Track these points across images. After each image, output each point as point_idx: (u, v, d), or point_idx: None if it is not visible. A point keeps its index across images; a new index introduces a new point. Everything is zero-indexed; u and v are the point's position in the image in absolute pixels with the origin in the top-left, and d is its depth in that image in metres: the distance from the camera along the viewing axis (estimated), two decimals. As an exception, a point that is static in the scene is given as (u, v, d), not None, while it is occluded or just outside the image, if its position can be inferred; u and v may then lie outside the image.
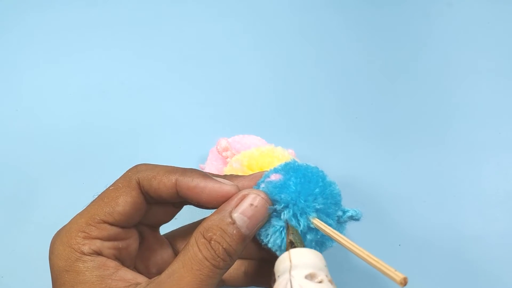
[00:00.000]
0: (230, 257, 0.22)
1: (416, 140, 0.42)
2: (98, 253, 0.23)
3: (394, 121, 0.42)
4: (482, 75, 0.44)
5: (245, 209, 0.22)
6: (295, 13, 0.49)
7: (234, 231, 0.22)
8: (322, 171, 0.24)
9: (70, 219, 0.24)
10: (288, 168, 0.24)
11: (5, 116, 0.42)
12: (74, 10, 0.48)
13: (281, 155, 0.32)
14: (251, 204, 0.23)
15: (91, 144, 0.41)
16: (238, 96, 0.44)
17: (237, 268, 0.29)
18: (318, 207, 0.23)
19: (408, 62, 0.45)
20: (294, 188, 0.23)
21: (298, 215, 0.23)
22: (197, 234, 0.22)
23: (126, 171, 0.26)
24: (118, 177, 0.25)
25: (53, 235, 0.26)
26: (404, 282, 0.19)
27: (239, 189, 0.24)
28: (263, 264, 0.29)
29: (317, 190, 0.23)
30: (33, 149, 0.40)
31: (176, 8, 0.49)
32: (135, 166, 0.26)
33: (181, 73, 0.45)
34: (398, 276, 0.19)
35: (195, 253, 0.21)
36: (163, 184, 0.24)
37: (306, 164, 0.25)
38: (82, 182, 0.39)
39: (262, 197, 0.23)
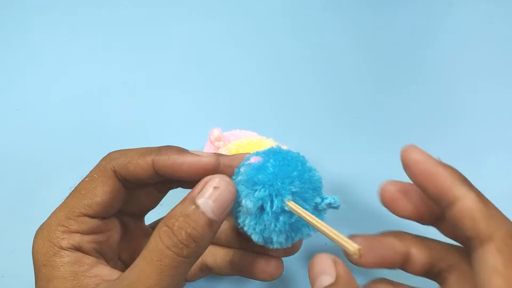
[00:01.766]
0: (196, 243, 0.20)
1: (416, 140, 0.41)
2: (77, 248, 0.23)
3: (394, 121, 0.42)
4: (483, 75, 0.44)
5: (209, 193, 0.21)
6: (295, 13, 0.49)
7: (199, 216, 0.21)
8: (303, 157, 0.24)
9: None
10: (269, 152, 0.24)
11: (6, 116, 0.43)
12: (75, 10, 0.48)
13: (271, 146, 0.33)
14: (215, 187, 0.21)
15: (92, 144, 0.41)
16: (238, 96, 0.44)
17: (223, 257, 0.28)
18: (294, 190, 0.22)
19: (408, 62, 0.45)
20: (271, 170, 0.22)
21: (274, 196, 0.22)
22: (160, 225, 0.21)
23: (100, 161, 0.25)
24: (92, 168, 0.25)
25: None
26: (359, 252, 0.20)
27: (219, 161, 0.24)
28: (247, 254, 0.28)
29: (295, 173, 0.23)
30: (33, 149, 0.40)
31: (176, 8, 0.49)
32: (107, 154, 0.25)
33: (181, 73, 0.45)
34: (353, 247, 0.20)
35: (156, 244, 0.20)
36: (140, 167, 0.24)
37: (289, 150, 0.24)
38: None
39: (226, 180, 0.22)
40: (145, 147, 0.25)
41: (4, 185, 0.39)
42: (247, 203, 0.22)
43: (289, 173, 0.23)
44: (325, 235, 0.21)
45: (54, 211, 0.24)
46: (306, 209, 0.22)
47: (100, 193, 0.24)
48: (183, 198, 0.22)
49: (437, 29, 0.47)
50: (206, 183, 0.22)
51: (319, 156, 0.41)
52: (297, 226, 0.23)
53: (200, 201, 0.21)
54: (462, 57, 0.45)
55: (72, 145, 0.41)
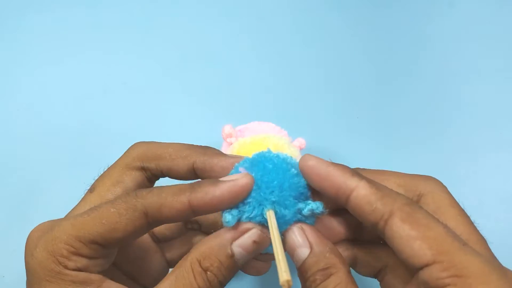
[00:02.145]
0: (221, 285, 0.21)
1: (417, 140, 0.42)
2: (84, 269, 0.22)
3: (395, 121, 0.42)
4: (483, 75, 0.44)
5: (246, 245, 0.21)
6: (296, 13, 0.49)
7: (232, 264, 0.21)
8: (288, 162, 0.24)
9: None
10: (252, 162, 0.24)
11: (7, 116, 0.42)
12: (76, 11, 0.48)
13: (274, 144, 0.33)
14: (254, 241, 0.22)
15: (93, 144, 0.41)
16: (238, 96, 0.44)
17: None
18: (274, 199, 0.22)
19: (409, 62, 0.45)
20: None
21: (256, 208, 0.22)
22: (193, 260, 0.21)
23: (128, 195, 0.22)
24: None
25: None
26: (287, 284, 0.19)
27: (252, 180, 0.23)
28: None
29: (275, 182, 0.23)
30: (34, 149, 0.40)
31: (176, 8, 0.49)
32: (139, 192, 0.22)
33: (183, 72, 0.45)
34: (283, 277, 0.19)
35: (190, 282, 0.21)
36: (175, 210, 0.22)
37: (275, 155, 0.24)
38: (83, 181, 0.39)
39: (262, 233, 0.22)
40: (179, 184, 0.22)
41: (5, 185, 0.39)
42: (226, 216, 0.22)
43: (269, 183, 0.23)
44: (274, 252, 0.21)
45: (63, 223, 0.22)
46: (285, 215, 0.23)
47: (122, 231, 0.21)
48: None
49: (438, 30, 0.47)
50: (246, 230, 0.22)
51: (322, 153, 0.41)
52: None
53: (237, 250, 0.21)
54: (463, 58, 0.45)
55: (73, 144, 0.41)
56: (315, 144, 0.41)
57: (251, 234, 0.22)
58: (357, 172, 0.21)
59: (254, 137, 0.33)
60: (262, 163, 0.23)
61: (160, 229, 0.27)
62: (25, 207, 0.38)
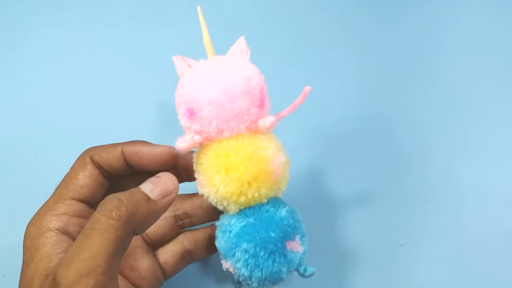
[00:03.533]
0: (126, 209, 0.22)
1: (417, 140, 0.42)
2: (64, 229, 0.25)
3: (395, 122, 0.42)
4: (484, 75, 0.44)
5: (150, 180, 0.24)
6: (293, 13, 0.49)
7: (138, 191, 0.23)
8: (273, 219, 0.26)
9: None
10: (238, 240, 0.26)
11: (7, 116, 0.43)
12: (76, 9, 0.48)
13: (247, 154, 0.26)
14: (156, 176, 0.25)
15: (93, 144, 0.41)
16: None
17: (202, 235, 0.31)
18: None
19: (409, 62, 0.45)
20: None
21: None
22: (105, 201, 0.23)
23: (80, 155, 0.28)
24: None
25: None
26: None
27: (173, 150, 0.27)
28: None
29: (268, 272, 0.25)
30: (34, 149, 0.40)
31: (177, 7, 0.49)
32: (86, 149, 0.28)
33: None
34: None
35: (93, 215, 0.22)
36: (112, 154, 0.27)
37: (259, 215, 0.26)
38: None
39: (168, 173, 0.25)
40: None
41: (5, 184, 0.39)
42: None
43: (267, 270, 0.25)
44: None
45: (43, 203, 0.27)
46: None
47: (82, 177, 0.26)
48: None
49: (438, 30, 0.47)
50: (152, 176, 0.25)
51: (320, 157, 0.41)
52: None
53: (143, 185, 0.24)
54: (464, 58, 0.45)
55: (73, 144, 0.40)
56: (315, 145, 0.41)
57: (156, 175, 0.25)
58: None
59: (217, 150, 0.26)
60: (246, 236, 0.25)
61: (152, 228, 0.28)
62: (25, 207, 0.38)
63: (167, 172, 0.25)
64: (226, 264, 0.26)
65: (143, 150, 0.27)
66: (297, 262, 0.26)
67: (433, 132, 0.42)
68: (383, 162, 0.40)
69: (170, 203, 0.24)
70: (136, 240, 0.30)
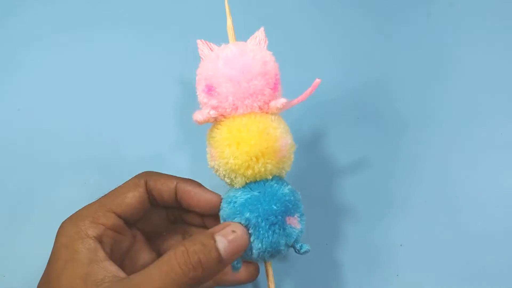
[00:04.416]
0: (202, 270, 0.23)
1: (417, 140, 0.42)
2: (99, 239, 0.26)
3: (395, 122, 0.42)
4: (483, 75, 0.44)
5: (226, 233, 0.25)
6: (294, 13, 0.49)
7: (213, 249, 0.24)
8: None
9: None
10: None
11: (7, 116, 0.43)
12: (76, 8, 0.48)
13: (259, 130, 0.27)
14: (233, 231, 0.25)
15: (93, 144, 0.41)
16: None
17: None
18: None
19: (408, 62, 0.45)
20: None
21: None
22: (178, 245, 0.24)
23: (136, 175, 0.29)
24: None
25: (54, 234, 0.26)
26: None
27: (220, 198, 0.28)
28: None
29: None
30: (34, 149, 0.40)
31: (177, 8, 0.49)
32: (144, 171, 0.30)
33: (183, 73, 0.45)
34: None
35: (169, 257, 0.23)
36: (166, 186, 0.28)
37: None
38: (84, 181, 0.39)
39: (243, 229, 0.26)
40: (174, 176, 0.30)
41: (5, 185, 0.39)
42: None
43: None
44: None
45: (85, 206, 0.28)
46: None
47: (130, 197, 0.28)
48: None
49: (438, 30, 0.47)
50: (226, 226, 0.25)
51: (320, 157, 0.41)
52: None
53: (218, 238, 0.24)
54: (463, 58, 0.45)
55: (73, 144, 0.41)
56: (315, 145, 0.41)
57: (230, 226, 0.25)
58: None
59: (231, 125, 0.27)
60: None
61: (150, 222, 0.31)
62: (25, 207, 0.38)
63: (240, 225, 0.26)
64: None
65: (195, 191, 0.29)
66: (295, 237, 0.27)
67: (433, 133, 0.42)
68: (383, 163, 0.40)
69: (234, 260, 0.25)
70: (136, 236, 0.31)
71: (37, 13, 0.48)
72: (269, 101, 0.28)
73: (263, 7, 0.49)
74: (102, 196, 0.28)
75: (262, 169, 0.27)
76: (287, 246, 0.27)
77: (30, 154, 0.40)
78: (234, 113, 0.27)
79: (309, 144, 0.41)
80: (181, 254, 0.23)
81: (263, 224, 0.26)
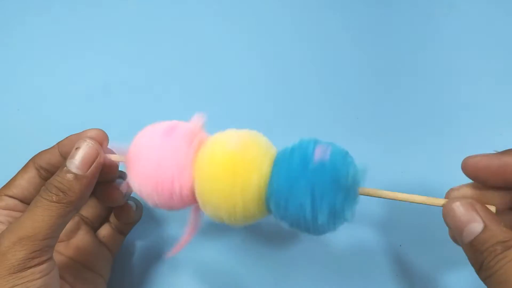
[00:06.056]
0: (63, 193, 0.26)
1: (417, 140, 0.42)
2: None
3: (395, 122, 0.42)
4: (484, 76, 0.44)
5: (72, 154, 0.27)
6: (293, 12, 0.49)
7: (65, 172, 0.26)
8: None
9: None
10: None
11: (6, 116, 0.43)
12: (76, 10, 0.48)
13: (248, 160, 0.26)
14: (76, 148, 0.28)
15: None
16: (238, 97, 0.44)
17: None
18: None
19: (409, 63, 0.45)
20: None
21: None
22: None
23: None
24: None
25: None
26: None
27: (100, 131, 0.31)
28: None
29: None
30: (34, 149, 0.40)
31: (176, 8, 0.49)
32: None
33: (182, 73, 0.45)
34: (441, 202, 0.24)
35: (37, 197, 0.26)
36: (49, 153, 0.31)
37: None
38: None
39: (87, 141, 0.28)
40: None
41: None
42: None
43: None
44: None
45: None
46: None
47: (19, 178, 0.30)
48: None
49: (439, 31, 0.47)
50: (73, 148, 0.28)
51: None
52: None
53: (67, 162, 0.27)
54: (464, 59, 0.45)
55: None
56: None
57: (75, 145, 0.28)
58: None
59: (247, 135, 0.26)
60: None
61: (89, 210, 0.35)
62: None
63: (84, 140, 0.28)
64: None
65: (72, 138, 0.30)
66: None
67: (433, 132, 0.42)
68: (383, 162, 0.40)
69: (99, 168, 0.28)
70: (77, 224, 0.34)
71: (37, 15, 0.48)
72: None
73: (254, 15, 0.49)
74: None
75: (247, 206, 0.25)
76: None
77: (30, 154, 0.40)
78: None
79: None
80: (42, 189, 0.26)
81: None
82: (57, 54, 0.46)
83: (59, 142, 0.31)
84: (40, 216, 0.25)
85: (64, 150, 0.30)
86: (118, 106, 0.43)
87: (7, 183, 0.31)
